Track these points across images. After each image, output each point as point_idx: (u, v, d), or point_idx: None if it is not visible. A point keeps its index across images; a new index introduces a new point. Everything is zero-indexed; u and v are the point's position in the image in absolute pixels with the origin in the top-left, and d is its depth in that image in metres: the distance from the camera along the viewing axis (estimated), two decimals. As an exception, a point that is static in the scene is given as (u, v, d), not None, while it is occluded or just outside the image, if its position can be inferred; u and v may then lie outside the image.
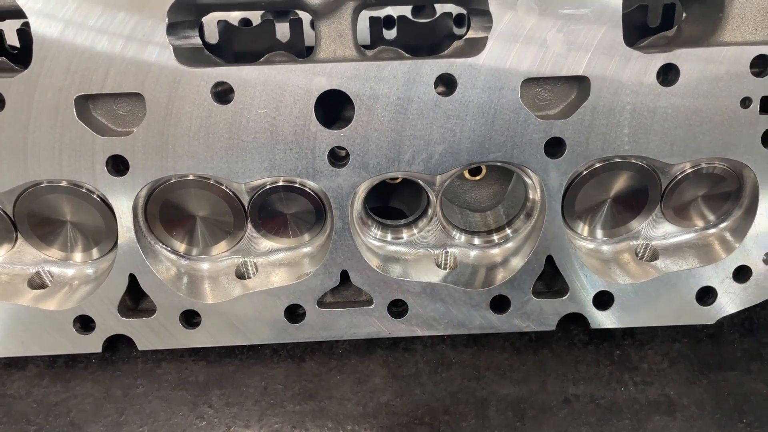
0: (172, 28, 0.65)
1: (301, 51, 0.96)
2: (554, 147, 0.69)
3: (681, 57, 0.67)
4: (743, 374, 0.76)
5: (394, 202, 0.89)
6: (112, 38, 0.64)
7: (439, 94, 0.67)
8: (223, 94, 0.67)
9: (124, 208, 0.71)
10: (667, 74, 0.68)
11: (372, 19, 1.01)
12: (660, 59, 0.67)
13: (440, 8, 1.07)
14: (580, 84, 0.69)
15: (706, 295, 0.78)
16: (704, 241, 0.79)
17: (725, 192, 0.76)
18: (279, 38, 0.95)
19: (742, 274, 0.77)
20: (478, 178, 0.82)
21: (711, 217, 0.78)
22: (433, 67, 0.66)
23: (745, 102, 0.69)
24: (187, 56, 0.67)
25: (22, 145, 0.67)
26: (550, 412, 0.72)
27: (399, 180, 0.81)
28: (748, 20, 0.70)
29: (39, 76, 0.65)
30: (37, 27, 0.64)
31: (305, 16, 1.00)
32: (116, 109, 0.70)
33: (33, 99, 0.66)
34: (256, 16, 1.11)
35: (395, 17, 1.02)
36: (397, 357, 0.79)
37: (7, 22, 0.94)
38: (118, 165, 0.69)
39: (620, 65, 0.66)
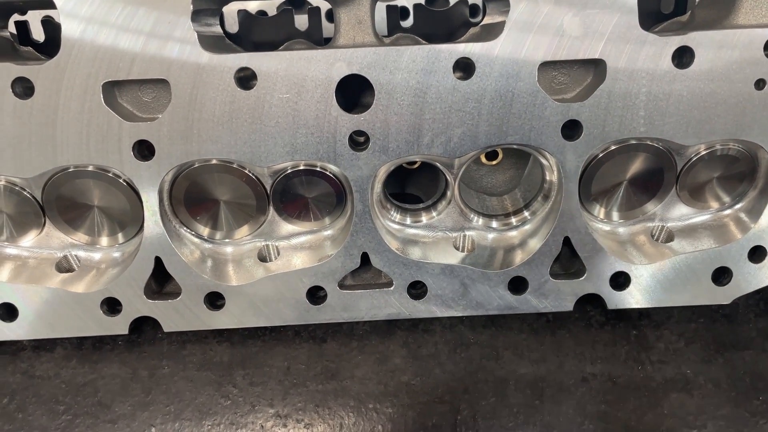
0: (195, 16, 0.66)
1: (319, 40, 0.97)
2: (571, 129, 0.71)
3: (695, 40, 0.67)
4: (758, 353, 0.77)
5: (410, 188, 0.90)
6: (139, 25, 0.65)
7: (458, 78, 0.68)
8: (246, 80, 0.68)
9: (150, 193, 0.73)
10: (682, 57, 0.68)
11: (389, 8, 1.02)
12: (675, 42, 0.67)
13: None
14: (596, 67, 0.70)
15: (722, 276, 0.79)
16: (719, 222, 0.80)
17: (740, 173, 0.77)
18: (297, 27, 0.96)
19: (757, 254, 0.77)
20: (494, 162, 0.83)
21: (726, 199, 0.79)
22: (451, 52, 0.67)
23: (759, 84, 0.69)
24: (210, 44, 0.68)
25: (50, 131, 0.69)
26: (568, 391, 0.73)
27: (416, 165, 0.82)
28: (761, 3, 0.71)
29: (67, 63, 0.66)
30: (65, 14, 0.65)
31: (322, 7, 1.01)
32: (141, 96, 0.72)
33: (61, 86, 0.67)
34: (271, 8, 1.13)
35: (411, 6, 1.04)
36: (417, 338, 0.81)
37: (31, 13, 0.96)
38: (143, 150, 0.71)
39: (636, 48, 0.67)
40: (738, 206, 0.80)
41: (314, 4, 1.03)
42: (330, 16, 1.07)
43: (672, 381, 0.74)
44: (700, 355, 0.77)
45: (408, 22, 1.06)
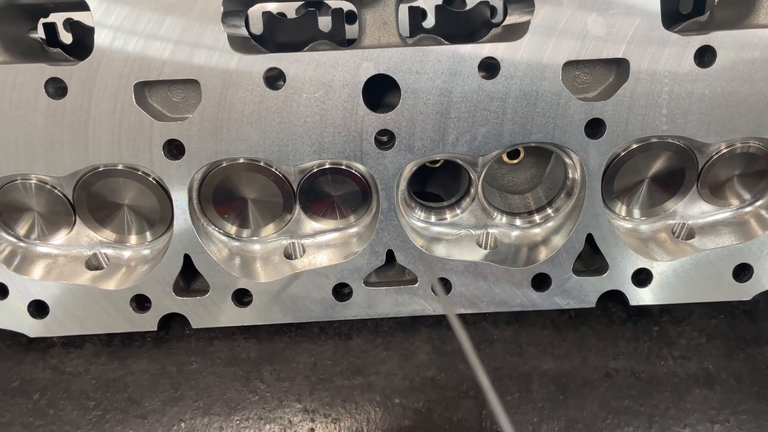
0: (224, 18, 0.68)
1: (342, 41, 0.99)
2: (594, 128, 0.72)
3: (717, 39, 0.68)
4: (780, 349, 0.78)
5: (431, 186, 0.91)
6: (170, 26, 0.67)
7: (483, 78, 0.69)
8: (274, 80, 0.70)
9: (179, 191, 0.74)
10: (704, 57, 0.69)
11: (411, 9, 1.03)
12: (697, 42, 0.68)
13: (471, -1, 1.09)
14: (618, 66, 0.71)
15: (743, 272, 0.79)
16: (740, 219, 0.81)
17: (760, 170, 0.78)
18: (321, 29, 0.98)
19: (777, 251, 0.79)
20: (515, 161, 0.84)
21: (747, 196, 0.80)
22: (476, 52, 0.68)
23: (781, 82, 0.71)
24: (239, 45, 0.70)
25: (82, 131, 0.70)
26: (592, 386, 0.74)
27: (439, 163, 0.83)
28: (782, 3, 0.72)
29: (100, 63, 0.68)
30: (99, 17, 0.66)
31: (345, 7, 1.03)
32: (170, 96, 0.73)
33: (94, 86, 0.68)
34: (290, 11, 1.14)
35: (432, 8, 1.05)
36: (441, 334, 0.82)
37: (54, 16, 0.98)
38: (173, 149, 0.72)
39: (658, 48, 0.68)
40: (758, 203, 0.80)
41: (333, 6, 1.05)
42: (350, 17, 1.09)
43: (694, 376, 0.74)
44: (722, 350, 0.78)
45: (428, 23, 1.07)
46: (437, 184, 0.90)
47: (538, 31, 0.68)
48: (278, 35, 0.98)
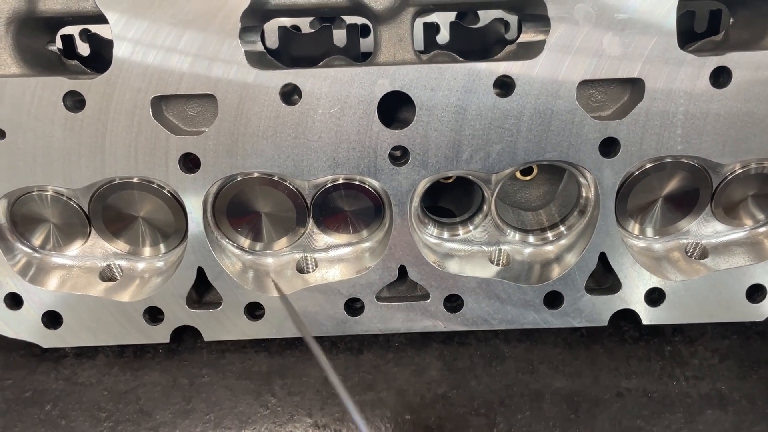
0: (241, 33, 0.68)
1: (357, 56, 0.99)
2: (609, 147, 0.72)
3: (733, 60, 0.68)
4: (793, 370, 0.78)
5: (443, 202, 0.91)
6: (188, 41, 0.67)
7: (498, 95, 0.70)
8: (290, 95, 0.70)
9: (194, 205, 0.74)
10: (719, 77, 0.69)
11: (426, 25, 1.04)
12: (713, 62, 0.69)
13: (484, 15, 1.10)
14: (633, 86, 0.71)
15: (756, 293, 0.79)
16: (754, 240, 0.81)
17: (775, 191, 0.78)
18: (336, 43, 0.98)
19: (791, 272, 0.78)
20: (528, 178, 0.84)
21: (761, 216, 0.80)
22: (491, 70, 0.69)
23: (796, 104, 0.71)
24: (256, 60, 0.70)
25: (99, 144, 0.71)
26: (604, 405, 0.74)
27: (451, 179, 0.83)
28: (798, 24, 0.72)
29: (118, 77, 0.68)
30: (117, 31, 0.67)
31: (359, 22, 1.03)
32: (187, 110, 0.73)
33: (111, 100, 0.69)
34: (304, 26, 1.15)
35: (447, 23, 1.05)
36: (453, 350, 0.82)
37: (70, 28, 0.99)
38: (189, 163, 0.73)
39: (674, 68, 0.68)
40: (773, 224, 0.80)
41: (348, 21, 1.05)
42: (364, 31, 1.09)
43: (707, 397, 0.74)
44: (735, 371, 0.77)
45: (442, 38, 1.07)
46: (450, 200, 0.90)
47: (554, 49, 0.68)
48: (293, 49, 0.99)
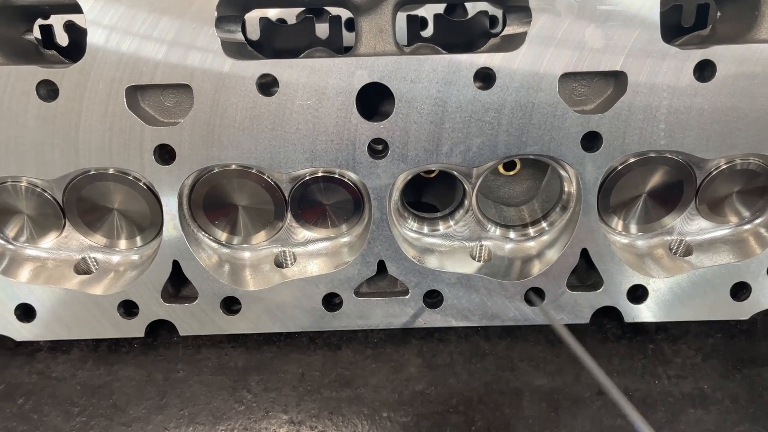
0: (218, 23, 0.67)
1: (339, 48, 0.98)
2: (591, 141, 0.71)
3: (717, 54, 0.67)
4: (777, 370, 0.76)
5: (426, 197, 0.90)
6: (163, 32, 0.66)
7: (478, 88, 0.68)
8: (267, 86, 0.69)
9: (169, 197, 0.73)
10: (704, 71, 0.68)
11: (409, 18, 1.03)
12: (696, 56, 0.67)
13: (472, 8, 1.09)
14: (616, 79, 0.70)
15: (740, 291, 0.78)
16: (739, 237, 0.80)
17: (760, 188, 0.76)
18: (318, 35, 0.97)
19: (776, 270, 0.77)
20: (512, 173, 0.83)
21: (745, 213, 0.79)
22: (472, 62, 0.67)
23: (781, 98, 0.69)
24: (233, 50, 0.69)
25: (74, 134, 0.70)
26: (584, 404, 0.72)
27: (434, 174, 0.82)
28: (784, 18, 0.71)
29: (92, 67, 0.67)
30: (92, 20, 0.66)
31: (343, 15, 1.02)
32: (163, 101, 0.72)
33: (85, 89, 0.68)
34: (290, 17, 1.13)
35: (431, 17, 1.04)
36: (432, 347, 0.80)
37: (54, 17, 0.98)
38: (164, 154, 0.71)
39: (657, 61, 0.67)
40: (758, 221, 0.79)
41: (334, 13, 1.04)
42: (349, 25, 1.08)
43: (689, 396, 0.73)
44: (718, 370, 0.76)
45: (428, 32, 1.06)
46: (433, 195, 0.89)
47: (535, 41, 0.67)
48: (275, 41, 0.98)
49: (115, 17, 0.66)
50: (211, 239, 0.79)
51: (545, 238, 0.80)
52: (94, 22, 0.66)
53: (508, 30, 0.73)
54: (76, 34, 0.95)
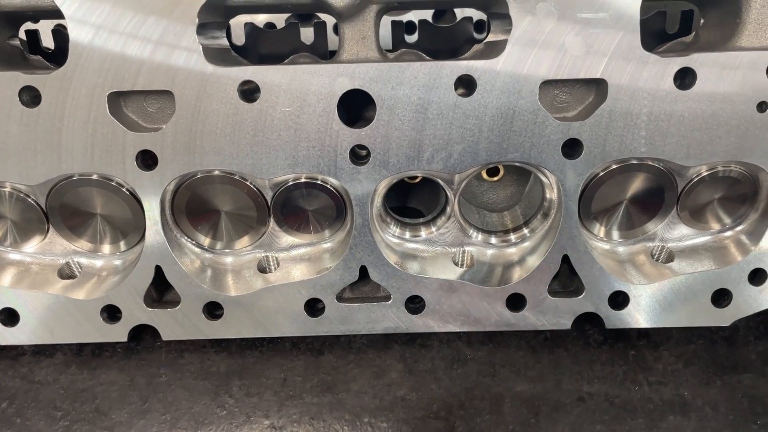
0: (201, 29, 0.67)
1: (324, 54, 0.98)
2: (571, 148, 0.71)
3: (698, 61, 0.68)
4: (758, 376, 0.76)
5: (412, 202, 0.90)
6: (144, 38, 0.66)
7: (459, 95, 0.69)
8: (249, 92, 0.69)
9: (152, 202, 0.73)
10: (684, 78, 0.68)
11: (394, 23, 1.03)
12: (677, 63, 0.68)
13: (461, 13, 1.09)
14: (597, 87, 0.70)
15: (722, 298, 0.78)
16: (720, 244, 0.80)
17: (741, 195, 0.77)
18: (303, 41, 0.97)
19: (758, 277, 0.77)
20: (495, 179, 0.83)
21: (727, 220, 0.79)
22: (453, 68, 0.68)
23: (762, 106, 0.69)
24: (215, 56, 0.69)
25: (56, 139, 0.70)
26: (565, 410, 0.73)
27: (418, 179, 0.82)
28: (765, 26, 0.71)
29: (74, 72, 0.67)
30: (73, 26, 0.66)
31: (329, 20, 1.02)
32: (146, 106, 0.72)
33: (68, 95, 0.68)
34: (280, 21, 1.14)
35: (416, 22, 1.04)
36: (414, 352, 0.80)
37: (42, 22, 0.98)
38: (147, 160, 0.71)
39: (638, 69, 0.68)
40: (739, 228, 0.79)
41: (322, 19, 1.04)
42: (336, 29, 1.08)
43: (669, 403, 0.73)
44: (699, 377, 0.76)
45: (413, 38, 1.07)
46: (417, 199, 0.89)
47: (516, 48, 0.67)
48: (260, 47, 0.98)
49: (97, 22, 0.66)
50: (193, 244, 0.79)
51: (526, 244, 0.80)
52: (76, 28, 0.66)
53: (491, 37, 0.73)
54: (63, 39, 0.95)
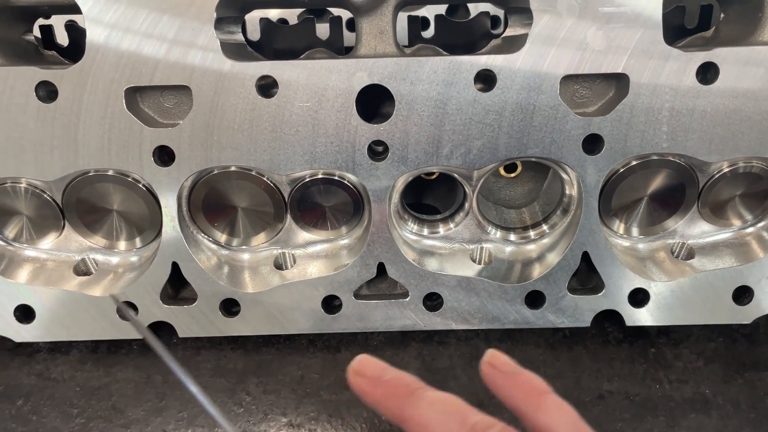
0: (218, 24, 0.67)
1: (340, 49, 0.98)
2: (592, 143, 0.70)
3: (720, 56, 0.67)
4: (779, 375, 0.76)
5: (428, 198, 0.90)
6: (162, 33, 0.66)
7: (479, 90, 0.68)
8: (267, 88, 0.69)
9: (168, 198, 0.73)
10: (707, 73, 0.68)
11: (410, 18, 1.02)
12: (699, 58, 0.67)
13: (475, 9, 1.08)
14: (618, 82, 0.69)
15: (743, 295, 0.77)
16: (741, 241, 0.79)
17: (763, 191, 0.76)
18: (319, 36, 0.97)
19: (779, 274, 0.76)
20: (513, 175, 0.83)
21: (748, 217, 0.78)
22: (472, 63, 0.67)
23: (785, 102, 0.69)
24: (232, 51, 0.69)
25: (72, 135, 0.69)
26: (585, 408, 0.72)
27: (435, 176, 0.82)
28: (788, 20, 0.70)
29: (91, 68, 0.67)
30: (90, 20, 0.66)
31: (344, 15, 1.02)
32: (163, 102, 0.72)
33: (84, 90, 0.67)
34: (292, 17, 1.13)
35: (432, 17, 1.04)
36: (432, 350, 0.80)
37: (54, 18, 0.97)
38: (164, 156, 0.71)
39: (659, 63, 0.67)
40: (760, 225, 0.78)
41: (335, 14, 1.04)
42: (350, 25, 1.08)
43: (690, 401, 0.72)
44: (720, 375, 0.76)
45: (429, 33, 1.06)
46: (433, 196, 0.88)
47: (536, 43, 0.66)
48: (275, 42, 0.97)
49: (114, 18, 0.66)
50: (210, 241, 0.79)
51: (546, 241, 0.80)
52: (93, 23, 0.66)
53: (510, 31, 0.72)
54: (77, 34, 0.95)
